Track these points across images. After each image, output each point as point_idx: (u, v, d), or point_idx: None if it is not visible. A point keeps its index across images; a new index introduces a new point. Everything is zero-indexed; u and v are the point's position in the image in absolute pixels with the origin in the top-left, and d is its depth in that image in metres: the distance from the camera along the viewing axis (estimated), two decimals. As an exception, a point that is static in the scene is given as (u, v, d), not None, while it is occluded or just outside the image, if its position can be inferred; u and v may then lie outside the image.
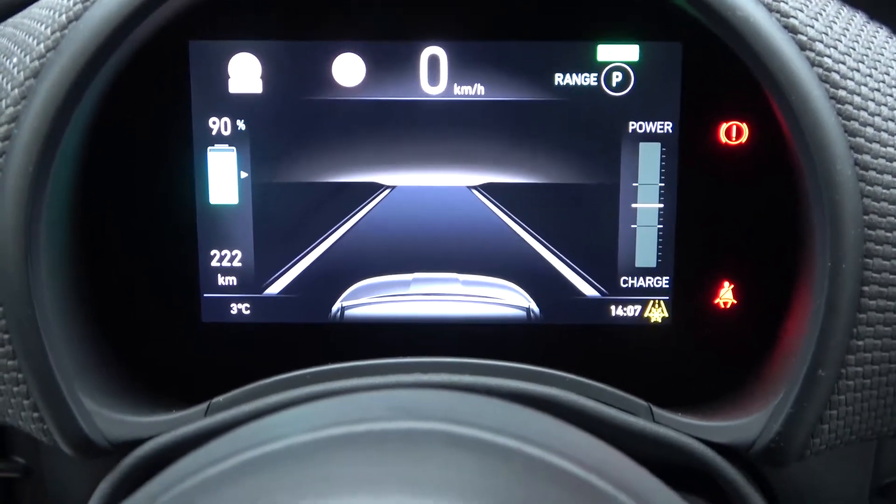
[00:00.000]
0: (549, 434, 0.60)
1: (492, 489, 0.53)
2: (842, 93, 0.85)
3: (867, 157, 0.85)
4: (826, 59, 0.85)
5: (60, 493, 1.06)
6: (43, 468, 1.06)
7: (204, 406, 0.95)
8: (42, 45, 0.87)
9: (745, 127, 1.02)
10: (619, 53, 1.01)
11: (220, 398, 0.95)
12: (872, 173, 0.85)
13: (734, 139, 1.02)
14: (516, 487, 0.53)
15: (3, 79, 0.88)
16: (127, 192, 1.04)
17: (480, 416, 0.60)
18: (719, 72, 1.00)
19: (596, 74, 1.02)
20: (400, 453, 0.56)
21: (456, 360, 0.96)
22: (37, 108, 0.86)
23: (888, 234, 0.85)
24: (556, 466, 0.57)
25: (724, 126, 1.02)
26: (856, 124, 0.85)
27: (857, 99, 0.85)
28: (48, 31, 0.88)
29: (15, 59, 0.88)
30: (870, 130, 0.85)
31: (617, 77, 1.02)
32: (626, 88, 1.02)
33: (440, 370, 0.95)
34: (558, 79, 1.02)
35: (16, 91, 0.87)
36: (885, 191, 0.85)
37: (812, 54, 0.85)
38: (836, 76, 0.85)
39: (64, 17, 0.87)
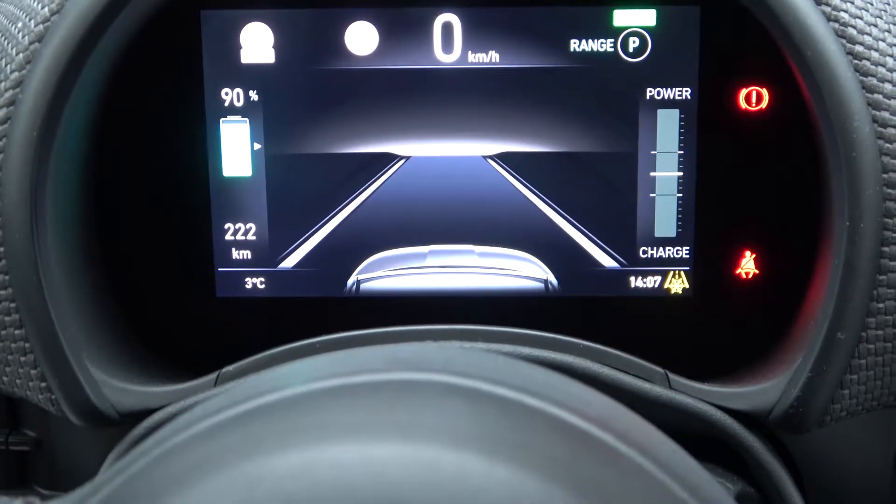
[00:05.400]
0: (550, 386, 0.59)
1: (485, 435, 0.51)
2: (858, 48, 0.83)
3: (885, 114, 0.83)
4: (842, 14, 0.83)
5: (71, 465, 1.06)
6: (53, 440, 1.06)
7: (214, 376, 0.94)
8: (46, 9, 0.87)
9: (765, 92, 1.00)
10: (635, 18, 1.00)
11: (230, 367, 0.94)
12: (891, 130, 0.83)
13: (754, 105, 1.00)
14: (511, 434, 0.52)
15: (8, 44, 0.88)
16: (139, 165, 1.03)
17: (480, 368, 0.59)
18: (738, 36, 0.98)
19: (612, 40, 1.00)
20: (395, 402, 0.54)
21: (468, 327, 0.94)
22: (40, 73, 0.85)
23: (909, 193, 0.83)
24: (555, 416, 0.55)
25: (743, 91, 1.00)
26: (873, 80, 0.83)
27: (874, 54, 0.83)
28: None
29: (20, 24, 0.88)
30: (888, 87, 0.83)
31: (634, 42, 1.00)
32: (643, 54, 1.00)
33: (452, 337, 0.93)
34: (574, 45, 1.00)
35: (20, 56, 0.86)
36: (905, 148, 0.83)
37: (828, 9, 0.83)
38: (852, 31, 0.83)
39: (69, -20, 0.87)
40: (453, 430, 0.51)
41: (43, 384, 0.91)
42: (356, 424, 0.52)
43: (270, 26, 1.01)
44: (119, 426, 0.93)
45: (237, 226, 1.05)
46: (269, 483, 0.49)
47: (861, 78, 0.83)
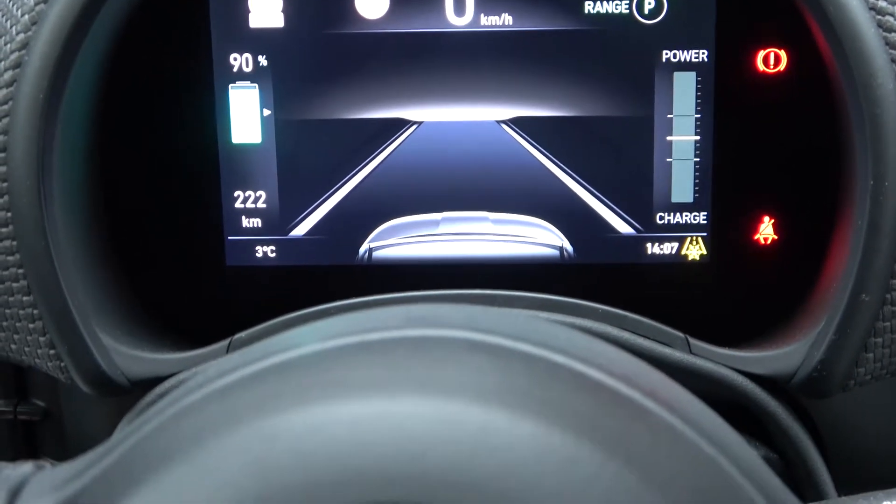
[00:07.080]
0: (575, 343, 0.57)
1: (509, 391, 0.50)
2: (882, 3, 0.82)
3: (910, 71, 0.81)
4: (865, -31, 0.82)
5: (80, 435, 1.05)
6: (62, 410, 1.05)
7: (225, 343, 0.93)
8: None
9: (783, 54, 0.98)
10: (651, -22, 0.98)
11: (243, 334, 0.93)
12: None
13: (772, 67, 0.98)
14: (537, 390, 0.50)
15: (13, 5, 0.87)
16: (146, 131, 1.02)
17: (502, 324, 0.57)
18: (756, -4, 0.97)
19: (627, 1, 0.98)
20: (415, 358, 0.53)
21: (487, 291, 0.93)
22: (46, 34, 0.84)
23: (934, 152, 0.82)
24: (582, 373, 0.54)
25: (761, 53, 0.98)
26: (897, 36, 0.81)
27: (898, 10, 0.82)
28: None
29: (26, -15, 0.87)
30: (913, 43, 0.82)
31: (649, 3, 0.98)
32: (658, 15, 0.99)
33: (471, 302, 0.92)
34: (588, 6, 0.99)
35: (26, 17, 0.85)
36: (929, 107, 0.82)
37: (850, -37, 0.82)
38: (875, -14, 0.82)
39: (74, -61, 0.85)
40: (477, 386, 0.50)
41: (52, 352, 0.90)
42: (376, 380, 0.51)
43: (279, -11, 1.00)
44: (129, 395, 0.92)
45: (247, 193, 1.03)
46: (286, 440, 0.47)
47: (884, 34, 0.82)
